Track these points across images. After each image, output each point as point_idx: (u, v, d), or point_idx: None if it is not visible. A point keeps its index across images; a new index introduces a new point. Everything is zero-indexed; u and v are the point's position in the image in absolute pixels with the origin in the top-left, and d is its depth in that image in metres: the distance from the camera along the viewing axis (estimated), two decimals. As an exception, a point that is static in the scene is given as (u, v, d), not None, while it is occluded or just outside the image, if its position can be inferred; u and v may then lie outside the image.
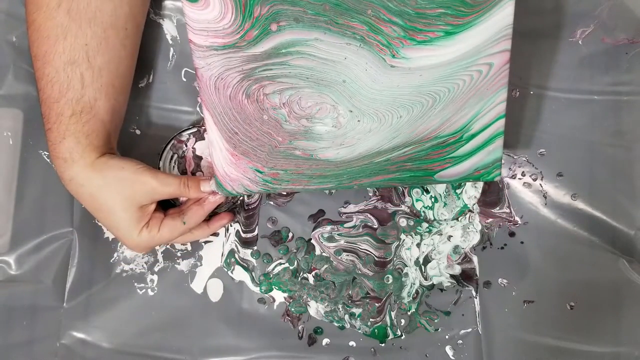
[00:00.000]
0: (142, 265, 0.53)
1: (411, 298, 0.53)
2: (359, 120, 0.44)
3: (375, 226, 0.53)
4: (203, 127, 0.53)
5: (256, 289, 0.53)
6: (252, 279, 0.53)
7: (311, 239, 0.53)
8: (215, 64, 0.43)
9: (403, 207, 0.53)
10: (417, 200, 0.54)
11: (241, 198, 0.53)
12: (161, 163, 0.52)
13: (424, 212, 0.53)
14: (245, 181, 0.46)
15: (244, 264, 0.53)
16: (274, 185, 0.46)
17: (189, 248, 0.53)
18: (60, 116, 0.44)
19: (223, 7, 0.41)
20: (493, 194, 0.54)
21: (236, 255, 0.53)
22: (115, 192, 0.45)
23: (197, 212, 0.48)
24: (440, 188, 0.54)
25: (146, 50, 0.53)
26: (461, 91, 0.44)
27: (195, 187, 0.47)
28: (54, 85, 0.44)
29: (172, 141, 0.53)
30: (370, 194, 0.54)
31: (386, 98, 0.43)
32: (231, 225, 0.53)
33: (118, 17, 0.45)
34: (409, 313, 0.52)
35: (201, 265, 0.53)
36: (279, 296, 0.53)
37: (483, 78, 0.43)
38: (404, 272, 0.53)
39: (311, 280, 0.53)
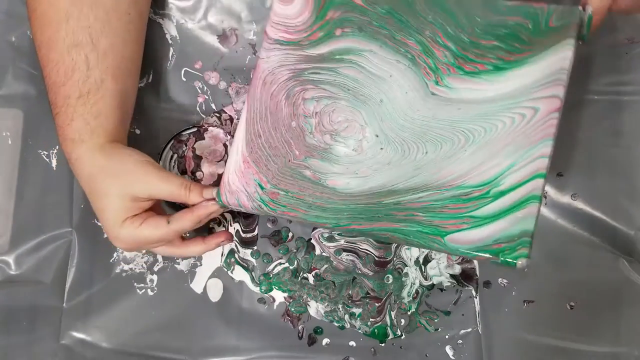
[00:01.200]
0: (142, 265, 0.53)
1: (411, 298, 0.53)
2: (381, 148, 0.42)
3: (375, 226, 0.53)
4: (203, 127, 0.53)
5: (256, 289, 0.53)
6: (252, 279, 0.53)
7: (311, 238, 0.53)
8: (274, 57, 0.45)
9: (403, 207, 0.53)
10: (417, 200, 0.53)
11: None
12: (161, 163, 0.52)
13: (424, 212, 0.53)
14: (242, 195, 0.43)
15: (244, 264, 0.53)
16: (269, 207, 0.43)
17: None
18: (67, 99, 0.44)
19: (303, 5, 0.44)
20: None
21: (236, 255, 0.53)
22: (114, 176, 0.44)
23: (185, 214, 0.44)
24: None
25: (146, 49, 0.53)
26: (498, 134, 0.39)
27: (197, 192, 0.44)
28: (59, 69, 0.44)
29: (172, 141, 0.53)
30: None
31: (417, 128, 0.41)
32: (231, 225, 0.53)
33: (119, 2, 0.46)
34: (409, 313, 0.52)
35: (201, 265, 0.53)
36: (279, 296, 0.53)
37: (525, 123, 0.39)
38: (404, 271, 0.53)
39: (311, 280, 0.53)
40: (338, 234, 0.53)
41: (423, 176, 0.40)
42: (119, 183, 0.43)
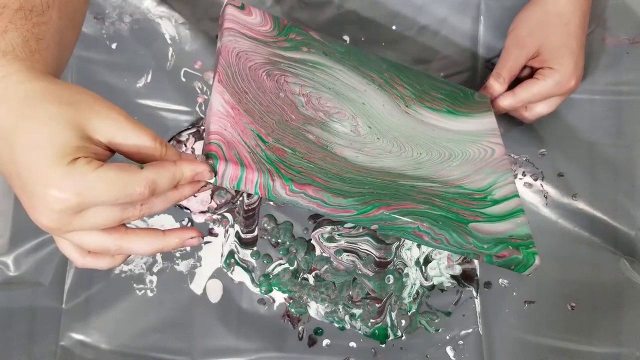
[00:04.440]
0: (141, 266, 0.53)
1: (412, 298, 0.52)
2: (378, 138, 0.41)
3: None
4: (203, 127, 0.53)
5: (256, 290, 0.53)
6: (252, 280, 0.53)
7: (311, 239, 0.53)
8: (243, 42, 0.40)
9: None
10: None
11: (240, 198, 0.53)
12: (160, 163, 0.52)
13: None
14: (242, 148, 0.33)
15: (244, 265, 0.53)
16: (280, 172, 0.33)
17: (188, 249, 0.53)
18: (2, 8, 0.33)
19: (264, 21, 0.43)
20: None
21: (236, 256, 0.53)
22: (67, 103, 0.29)
23: (165, 163, 0.31)
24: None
25: (145, 49, 0.53)
26: (473, 158, 0.44)
27: (176, 150, 0.33)
28: None
29: (172, 141, 0.53)
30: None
31: (404, 131, 0.43)
32: (232, 226, 0.53)
33: None
34: (409, 313, 0.52)
35: (200, 266, 0.53)
36: (279, 297, 0.53)
37: (489, 157, 0.45)
38: (404, 272, 0.53)
39: (311, 280, 0.53)
40: (338, 234, 0.53)
41: (426, 170, 0.41)
42: (73, 110, 0.29)
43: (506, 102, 0.51)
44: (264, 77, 0.39)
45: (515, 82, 0.52)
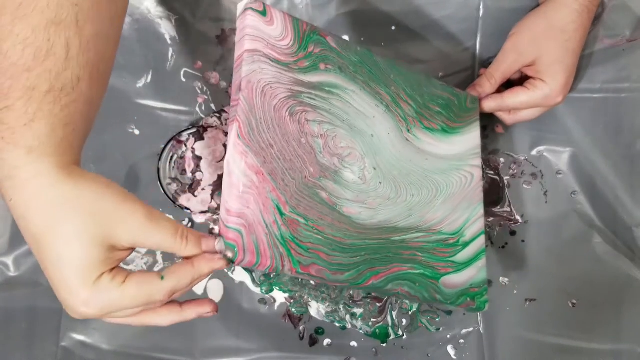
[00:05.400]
0: (142, 267, 0.53)
1: (412, 297, 0.53)
2: (380, 182, 0.45)
3: (376, 226, 0.53)
4: (203, 128, 0.53)
5: (257, 290, 0.53)
6: (253, 280, 0.53)
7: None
8: (267, 70, 0.41)
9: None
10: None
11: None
12: (160, 163, 0.52)
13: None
14: (260, 231, 0.37)
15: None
16: (291, 254, 0.38)
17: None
18: (31, 90, 0.31)
19: (284, 31, 0.43)
20: (494, 193, 0.54)
21: (236, 256, 0.53)
22: (88, 214, 0.31)
23: (183, 267, 0.34)
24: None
25: (145, 50, 0.53)
26: (455, 190, 0.48)
27: (196, 241, 0.34)
28: (26, 48, 0.31)
29: (172, 142, 0.53)
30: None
31: (402, 168, 0.46)
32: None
33: None
34: (410, 313, 0.52)
35: (201, 266, 0.53)
36: (279, 297, 0.53)
37: (468, 185, 0.49)
38: (405, 271, 0.53)
39: (312, 280, 0.53)
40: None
41: (414, 218, 0.46)
42: (95, 224, 0.31)
43: (493, 104, 0.52)
44: (287, 118, 0.41)
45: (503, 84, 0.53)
